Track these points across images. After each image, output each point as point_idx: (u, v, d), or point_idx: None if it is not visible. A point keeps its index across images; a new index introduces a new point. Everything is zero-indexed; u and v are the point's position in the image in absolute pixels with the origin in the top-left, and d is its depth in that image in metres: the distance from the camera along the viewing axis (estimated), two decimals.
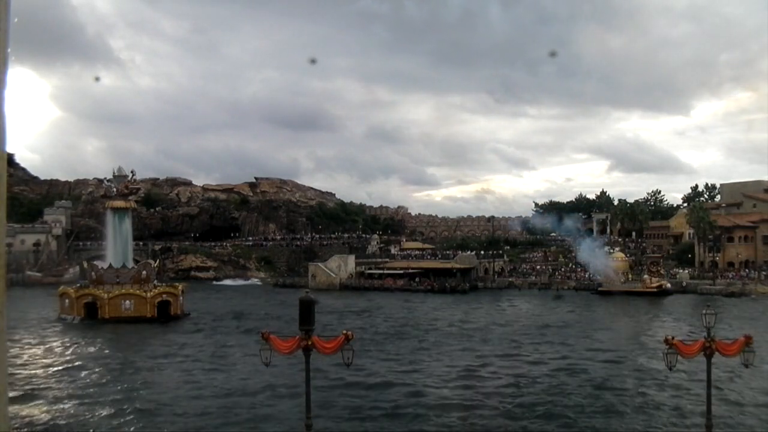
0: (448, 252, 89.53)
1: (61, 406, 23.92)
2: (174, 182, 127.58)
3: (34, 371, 29.91)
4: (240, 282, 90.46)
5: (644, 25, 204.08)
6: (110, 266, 51.21)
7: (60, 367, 31.13)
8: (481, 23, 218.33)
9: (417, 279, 77.19)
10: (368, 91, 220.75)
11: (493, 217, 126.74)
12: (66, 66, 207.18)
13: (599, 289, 68.69)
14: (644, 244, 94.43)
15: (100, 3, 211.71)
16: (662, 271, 70.61)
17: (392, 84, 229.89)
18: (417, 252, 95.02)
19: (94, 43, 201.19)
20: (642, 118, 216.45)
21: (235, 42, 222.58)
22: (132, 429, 21.32)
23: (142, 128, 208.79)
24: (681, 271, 76.96)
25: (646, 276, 68.69)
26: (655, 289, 65.12)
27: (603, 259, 73.12)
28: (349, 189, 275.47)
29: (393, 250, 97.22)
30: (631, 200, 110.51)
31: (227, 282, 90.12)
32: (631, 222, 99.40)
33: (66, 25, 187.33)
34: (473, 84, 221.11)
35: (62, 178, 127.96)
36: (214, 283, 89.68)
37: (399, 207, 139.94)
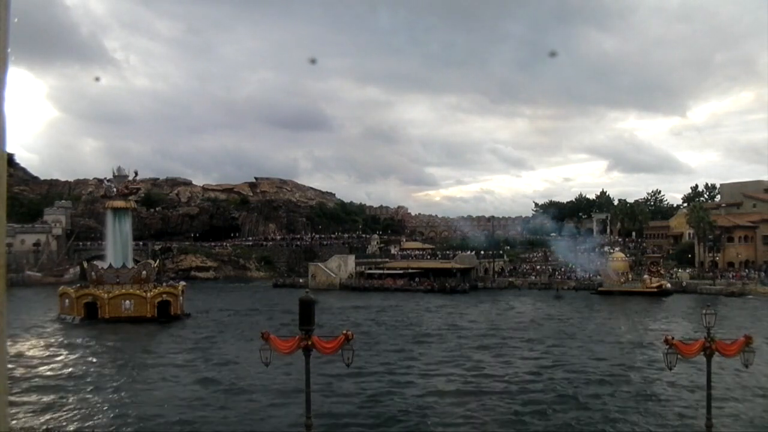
0: (448, 252, 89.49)
1: (61, 405, 23.91)
2: (174, 182, 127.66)
3: (34, 371, 29.88)
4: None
5: (638, 25, 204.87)
6: (110, 266, 51.19)
7: (60, 367, 31.11)
8: (477, 24, 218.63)
9: (417, 279, 77.14)
10: (364, 92, 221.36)
11: (493, 217, 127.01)
12: (61, 66, 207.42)
13: (599, 289, 68.71)
14: (644, 244, 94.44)
15: (93, 3, 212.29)
16: (662, 271, 70.61)
17: (388, 84, 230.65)
18: (417, 252, 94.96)
19: (89, 43, 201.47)
20: (638, 118, 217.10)
21: (229, 42, 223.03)
22: (132, 429, 21.31)
23: (139, 128, 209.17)
24: (681, 271, 76.96)
25: (646, 276, 68.67)
26: (655, 289, 65.10)
27: (589, 258, 74.07)
28: (348, 189, 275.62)
29: (393, 250, 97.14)
30: (631, 200, 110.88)
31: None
32: (631, 222, 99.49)
33: (60, 25, 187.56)
34: (468, 84, 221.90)
35: (60, 178, 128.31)
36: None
37: (399, 207, 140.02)
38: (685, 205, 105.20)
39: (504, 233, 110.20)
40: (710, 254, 78.67)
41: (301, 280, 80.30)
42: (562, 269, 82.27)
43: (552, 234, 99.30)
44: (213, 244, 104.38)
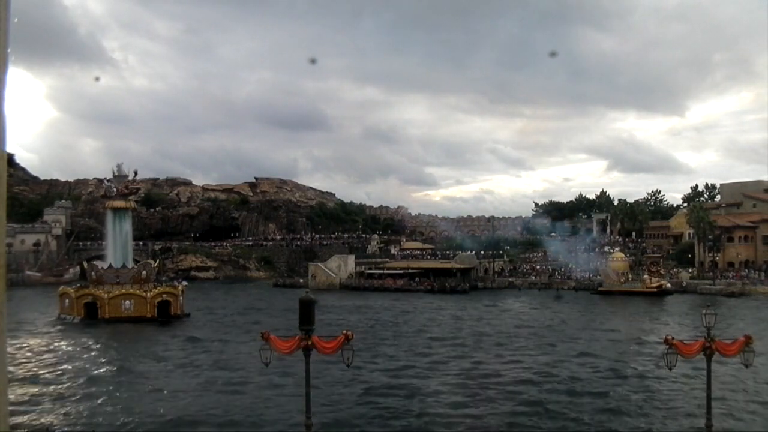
0: (448, 252, 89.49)
1: (61, 405, 23.91)
2: (174, 182, 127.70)
3: (34, 371, 29.89)
4: None
5: (636, 25, 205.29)
6: (110, 266, 51.18)
7: (60, 367, 31.10)
8: (475, 24, 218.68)
9: (417, 279, 77.14)
10: (363, 92, 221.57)
11: (493, 217, 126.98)
12: (60, 67, 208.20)
13: (599, 289, 68.72)
14: (644, 244, 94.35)
15: (92, 4, 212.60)
16: (662, 271, 70.60)
17: (387, 84, 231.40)
18: (417, 252, 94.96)
19: (87, 43, 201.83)
20: (637, 118, 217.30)
21: (228, 43, 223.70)
22: (131, 428, 21.31)
23: (138, 128, 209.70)
24: (681, 271, 76.91)
25: (646, 276, 68.66)
26: (655, 289, 65.09)
27: (588, 258, 74.45)
28: (347, 189, 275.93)
29: (393, 250, 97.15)
30: (631, 200, 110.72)
31: None
32: (631, 222, 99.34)
33: (58, 25, 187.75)
34: (467, 84, 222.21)
35: (60, 178, 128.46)
36: None
37: (399, 207, 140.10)
38: (685, 205, 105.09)
39: (504, 233, 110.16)
40: (710, 254, 78.59)
41: (301, 280, 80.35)
42: (562, 269, 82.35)
43: (552, 234, 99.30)
44: (213, 244, 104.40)
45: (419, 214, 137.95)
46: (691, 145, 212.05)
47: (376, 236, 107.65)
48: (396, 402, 24.10)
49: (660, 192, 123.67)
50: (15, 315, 45.73)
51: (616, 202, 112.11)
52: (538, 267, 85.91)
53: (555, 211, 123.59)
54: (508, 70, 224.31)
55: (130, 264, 53.08)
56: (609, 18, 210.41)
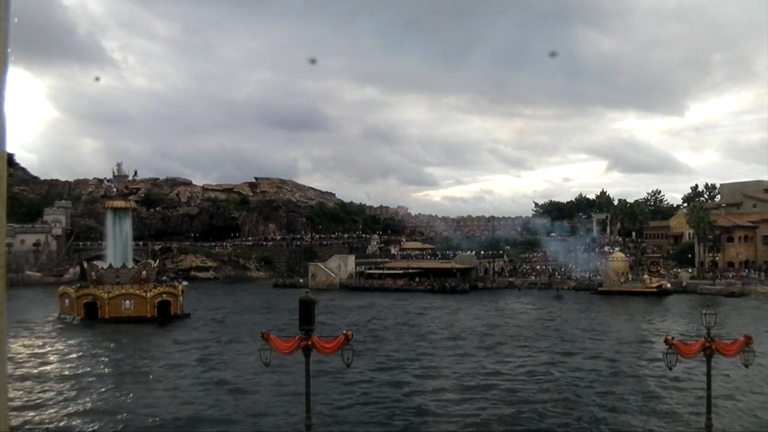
0: (448, 252, 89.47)
1: (61, 405, 23.91)
2: (174, 182, 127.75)
3: (34, 371, 29.88)
4: None
5: (636, 25, 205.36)
6: (110, 266, 51.18)
7: (60, 367, 31.12)
8: (474, 24, 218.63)
9: (417, 279, 77.12)
10: (363, 92, 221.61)
11: (493, 217, 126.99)
12: (60, 67, 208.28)
13: (599, 289, 68.70)
14: (644, 244, 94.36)
15: (91, 4, 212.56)
16: (662, 271, 70.60)
17: (386, 84, 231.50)
18: (417, 252, 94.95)
19: (87, 43, 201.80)
20: (637, 118, 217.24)
21: (227, 43, 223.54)
22: (131, 428, 21.31)
23: (138, 128, 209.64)
24: (681, 271, 76.92)
25: (646, 276, 68.65)
26: (655, 289, 65.09)
27: (588, 258, 74.54)
28: (347, 189, 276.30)
29: (393, 250, 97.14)
30: (631, 200, 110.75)
31: None
32: (631, 222, 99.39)
33: (58, 25, 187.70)
34: (467, 84, 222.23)
35: (60, 178, 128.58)
36: None
37: (399, 207, 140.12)
38: (685, 205, 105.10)
39: (504, 233, 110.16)
40: (710, 254, 78.59)
41: (301, 280, 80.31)
42: (562, 269, 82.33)
43: (552, 234, 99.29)
44: (213, 244, 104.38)
45: (419, 214, 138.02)
46: (691, 145, 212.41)
47: (376, 236, 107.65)
48: (396, 401, 24.10)
49: (660, 192, 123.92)
50: (15, 315, 45.71)
51: (616, 202, 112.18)
52: (538, 267, 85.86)
53: (555, 211, 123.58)
54: (508, 70, 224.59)
55: (130, 264, 53.07)
56: (609, 18, 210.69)
